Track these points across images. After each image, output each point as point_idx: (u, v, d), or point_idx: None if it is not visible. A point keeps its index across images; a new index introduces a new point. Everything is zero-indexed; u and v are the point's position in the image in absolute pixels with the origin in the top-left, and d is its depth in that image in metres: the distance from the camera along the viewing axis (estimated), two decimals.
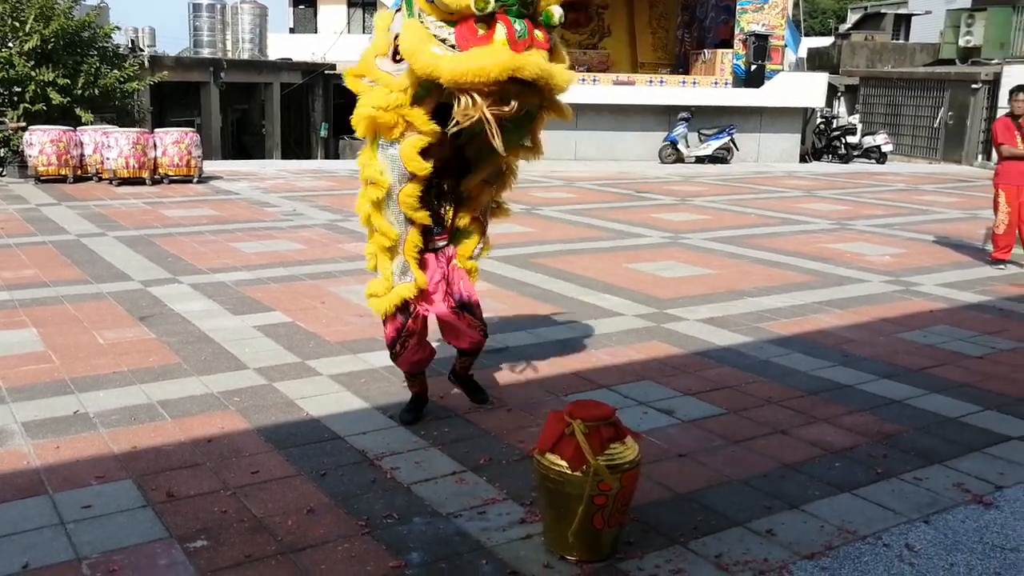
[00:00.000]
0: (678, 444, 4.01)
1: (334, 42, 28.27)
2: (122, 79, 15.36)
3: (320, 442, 3.93)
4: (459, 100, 3.51)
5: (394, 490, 3.48)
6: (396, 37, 3.68)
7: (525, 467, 3.63)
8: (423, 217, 3.85)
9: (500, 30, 3.45)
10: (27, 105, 14.16)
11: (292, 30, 36.61)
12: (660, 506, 3.40)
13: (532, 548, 3.08)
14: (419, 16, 3.57)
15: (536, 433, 3.44)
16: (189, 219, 9.88)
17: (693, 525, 3.26)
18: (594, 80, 18.33)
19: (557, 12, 3.64)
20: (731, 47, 18.89)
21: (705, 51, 19.62)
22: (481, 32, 3.47)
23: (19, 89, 14.37)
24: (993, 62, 21.24)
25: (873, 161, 20.14)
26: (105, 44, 16.02)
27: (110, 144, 12.44)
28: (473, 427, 4.15)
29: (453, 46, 3.51)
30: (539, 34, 3.60)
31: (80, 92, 14.61)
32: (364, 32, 30.67)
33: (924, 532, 3.26)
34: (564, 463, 2.92)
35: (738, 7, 18.64)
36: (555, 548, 3.03)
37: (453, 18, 3.50)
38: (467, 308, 4.09)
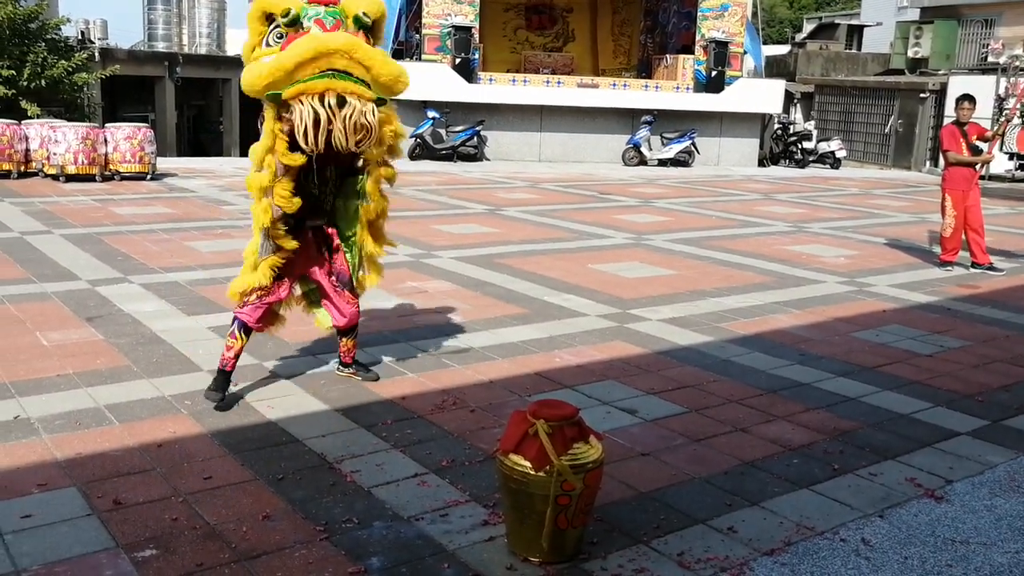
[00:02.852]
0: (641, 443, 4.00)
1: None
2: (70, 69, 14.91)
3: (277, 446, 3.83)
4: (294, 111, 3.78)
5: (354, 494, 3.40)
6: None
7: (488, 468, 3.58)
8: (293, 207, 4.03)
9: (313, 28, 3.87)
10: None
11: None
12: (623, 505, 3.38)
13: (495, 550, 3.02)
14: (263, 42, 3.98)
15: (499, 434, 3.39)
16: (141, 217, 9.65)
17: (656, 524, 3.24)
18: (558, 82, 18.40)
19: (362, 12, 3.99)
20: (692, 53, 19.09)
21: (667, 56, 19.82)
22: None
23: None
24: (940, 72, 21.76)
25: (828, 166, 20.49)
26: (54, 36, 15.58)
27: (57, 139, 12.09)
28: (435, 428, 4.08)
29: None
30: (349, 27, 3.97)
31: (26, 84, 14.16)
32: None
33: (879, 527, 3.30)
34: (527, 463, 2.88)
35: (699, 14, 18.85)
36: (518, 550, 2.98)
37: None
38: (345, 285, 4.43)
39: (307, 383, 4.60)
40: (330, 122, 3.75)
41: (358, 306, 4.52)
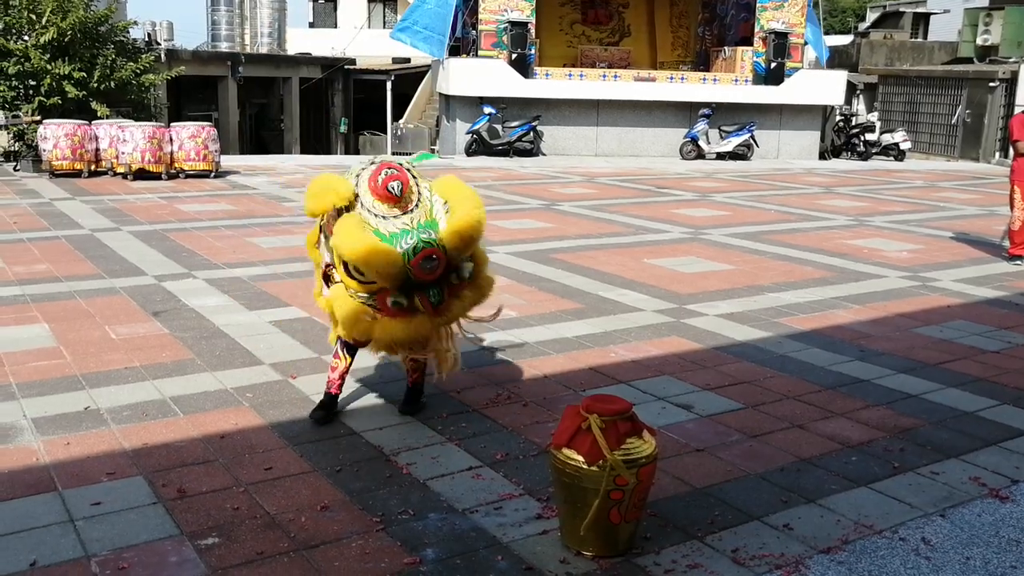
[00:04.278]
0: (696, 439, 3.97)
1: (354, 37, 28.35)
2: (138, 71, 15.33)
3: (335, 438, 3.90)
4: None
5: (410, 486, 3.45)
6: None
7: (542, 462, 3.60)
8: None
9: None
10: (42, 99, 14.13)
11: (311, 24, 36.73)
12: (677, 501, 3.37)
13: (548, 544, 3.04)
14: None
15: (553, 428, 3.41)
16: (205, 214, 9.89)
17: (710, 520, 3.22)
18: (615, 76, 18.32)
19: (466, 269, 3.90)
20: (751, 44, 18.82)
21: (725, 48, 19.55)
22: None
23: (34, 83, 14.32)
24: (1010, 60, 21.06)
25: (891, 158, 20.00)
26: (123, 38, 16.02)
27: (125, 138, 12.45)
28: (490, 422, 4.12)
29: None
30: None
31: (96, 85, 14.59)
32: (384, 27, 30.78)
33: (940, 526, 3.23)
34: (580, 458, 2.89)
35: (758, 4, 18.58)
36: (571, 543, 3.00)
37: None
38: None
39: (364, 377, 4.67)
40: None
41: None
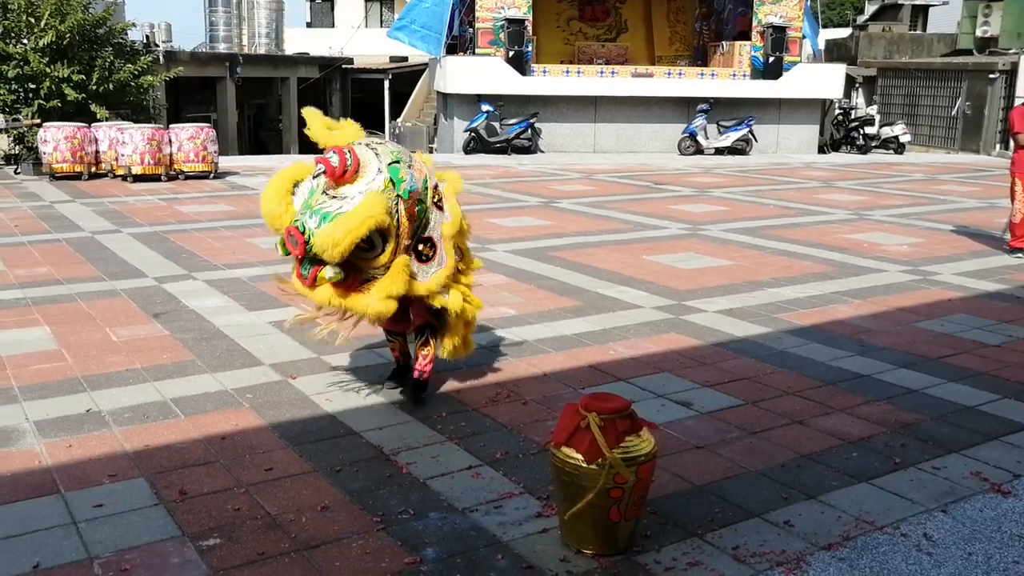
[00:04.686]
0: (696, 436, 3.97)
1: (351, 36, 28.32)
2: (136, 73, 15.33)
3: (335, 438, 3.91)
4: None
5: (410, 485, 3.46)
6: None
7: (541, 461, 3.61)
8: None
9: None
10: (42, 102, 14.16)
11: (309, 24, 36.70)
12: (677, 498, 3.37)
13: (549, 542, 3.05)
14: None
15: (553, 426, 3.41)
16: (205, 215, 9.90)
17: (710, 517, 3.23)
18: (612, 72, 18.29)
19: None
20: (749, 39, 18.79)
21: (723, 43, 19.53)
22: None
23: (33, 86, 14.34)
24: (1010, 52, 21.02)
25: (891, 151, 19.97)
26: (121, 40, 16.03)
27: (125, 140, 12.46)
28: (490, 421, 4.12)
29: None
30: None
31: (95, 88, 14.61)
32: (381, 26, 30.76)
33: (942, 521, 3.23)
34: (579, 456, 2.89)
35: None
36: (571, 542, 3.00)
37: None
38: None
39: (364, 377, 4.68)
40: None
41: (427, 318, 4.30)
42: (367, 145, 3.97)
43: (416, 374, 4.33)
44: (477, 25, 17.72)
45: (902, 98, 23.14)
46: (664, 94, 18.34)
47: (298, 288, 4.01)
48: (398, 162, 3.92)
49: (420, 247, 4.05)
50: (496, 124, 17.52)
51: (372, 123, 27.72)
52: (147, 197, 11.21)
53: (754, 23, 18.68)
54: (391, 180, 3.84)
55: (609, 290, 6.62)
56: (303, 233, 3.73)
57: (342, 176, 3.79)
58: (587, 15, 20.53)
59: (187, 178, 12.85)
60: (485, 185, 12.85)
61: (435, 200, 4.12)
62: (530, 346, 5.26)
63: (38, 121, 13.34)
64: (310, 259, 3.80)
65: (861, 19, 33.72)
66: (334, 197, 3.78)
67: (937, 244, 8.78)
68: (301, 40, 30.66)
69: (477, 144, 17.50)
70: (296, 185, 3.92)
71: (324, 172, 3.80)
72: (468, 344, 4.43)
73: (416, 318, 4.32)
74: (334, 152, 3.80)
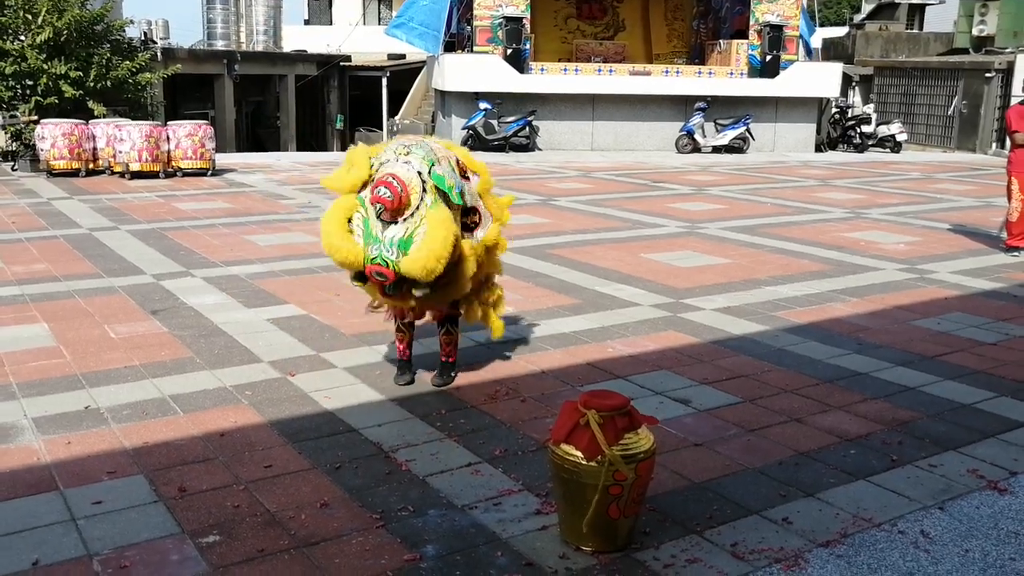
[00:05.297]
0: (694, 433, 3.99)
1: (349, 33, 28.29)
2: (134, 70, 15.30)
3: (334, 435, 3.91)
4: None
5: (409, 482, 3.47)
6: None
7: (540, 458, 3.61)
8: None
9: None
10: (39, 99, 14.11)
11: (307, 21, 36.65)
12: (676, 495, 3.38)
13: (548, 539, 3.06)
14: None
15: (552, 424, 3.42)
16: (202, 212, 9.89)
17: (709, 514, 3.24)
18: (610, 71, 18.29)
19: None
20: (746, 38, 18.80)
21: (720, 42, 19.53)
22: None
23: (31, 82, 14.30)
24: (1007, 51, 21.05)
25: (888, 150, 20.00)
26: (119, 37, 15.99)
27: (122, 137, 12.43)
28: (489, 418, 4.13)
29: None
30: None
31: (92, 84, 14.57)
32: (379, 23, 30.72)
33: (939, 519, 3.24)
34: (578, 453, 2.90)
35: None
36: (571, 539, 3.01)
37: None
38: None
39: (363, 374, 4.69)
40: None
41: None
42: (396, 158, 4.04)
43: (443, 357, 4.61)
44: (475, 23, 17.71)
45: (899, 97, 23.17)
46: (661, 92, 18.34)
47: (387, 302, 4.31)
48: (432, 164, 4.02)
49: (465, 220, 4.26)
50: (494, 122, 17.52)
51: (370, 120, 27.72)
52: (145, 194, 11.20)
53: (751, 22, 18.69)
54: (439, 189, 3.99)
55: (607, 288, 6.63)
56: (388, 267, 3.95)
57: (399, 205, 3.91)
58: (585, 13, 20.53)
59: (185, 175, 12.82)
60: None
61: (462, 172, 4.26)
62: (529, 344, 5.27)
63: (35, 118, 13.28)
64: (395, 284, 4.03)
65: (858, 18, 33.71)
66: (393, 223, 3.95)
67: (934, 243, 8.81)
68: (299, 37, 30.61)
69: (475, 142, 17.48)
70: (349, 220, 4.06)
71: (385, 209, 3.91)
72: (501, 302, 4.72)
73: (437, 314, 4.54)
74: (383, 187, 3.89)
